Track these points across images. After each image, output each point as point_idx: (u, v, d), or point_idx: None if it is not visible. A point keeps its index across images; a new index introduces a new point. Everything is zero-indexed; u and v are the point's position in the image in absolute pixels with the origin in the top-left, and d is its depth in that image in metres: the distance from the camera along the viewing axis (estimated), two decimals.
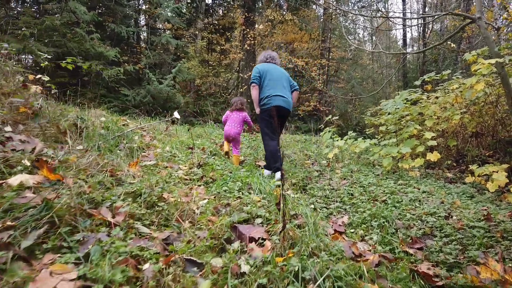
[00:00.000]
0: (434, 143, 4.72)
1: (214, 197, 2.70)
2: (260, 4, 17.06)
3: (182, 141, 4.70)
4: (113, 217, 1.85)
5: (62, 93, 11.02)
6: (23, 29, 9.35)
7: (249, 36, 14.62)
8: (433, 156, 4.65)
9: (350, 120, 17.68)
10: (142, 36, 12.76)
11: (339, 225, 2.78)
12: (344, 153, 5.98)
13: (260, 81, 4.41)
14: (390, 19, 7.24)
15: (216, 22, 16.35)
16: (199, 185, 3.04)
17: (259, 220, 2.29)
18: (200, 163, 3.60)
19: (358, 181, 4.26)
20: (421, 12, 20.10)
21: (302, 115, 16.06)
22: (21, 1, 11.72)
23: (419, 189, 3.95)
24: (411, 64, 21.84)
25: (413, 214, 3.07)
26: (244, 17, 14.92)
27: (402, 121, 5.62)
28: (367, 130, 7.59)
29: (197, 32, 15.00)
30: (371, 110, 7.44)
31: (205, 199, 2.58)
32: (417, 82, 5.65)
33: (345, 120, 17.45)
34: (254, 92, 4.41)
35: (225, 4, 18.04)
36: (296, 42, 16.31)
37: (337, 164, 5.29)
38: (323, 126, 6.03)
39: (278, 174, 4.13)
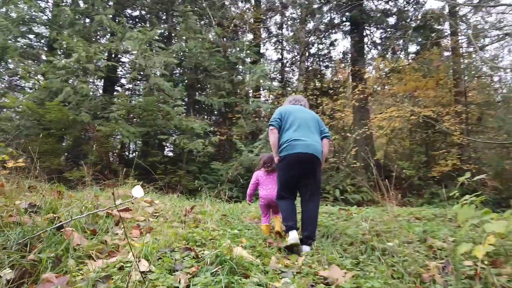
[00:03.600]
0: None
1: None
2: (370, 56, 15.09)
3: (197, 233, 2.83)
4: None
5: (150, 173, 10.57)
6: (113, 112, 9.35)
7: (357, 90, 12.55)
8: None
9: None
10: (237, 105, 11.94)
11: None
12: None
13: (281, 123, 3.69)
14: None
15: (319, 83, 14.88)
16: None
17: None
18: None
19: None
20: None
21: (438, 177, 12.51)
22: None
23: None
24: None
25: None
26: (351, 71, 13.10)
27: None
28: None
29: (293, 94, 13.67)
30: None
31: None
32: None
33: (503, 182, 13.01)
34: (272, 136, 3.68)
35: (329, 64, 16.66)
36: (419, 90, 13.42)
37: (499, 268, 2.57)
38: (458, 193, 3.35)
39: (292, 234, 3.27)
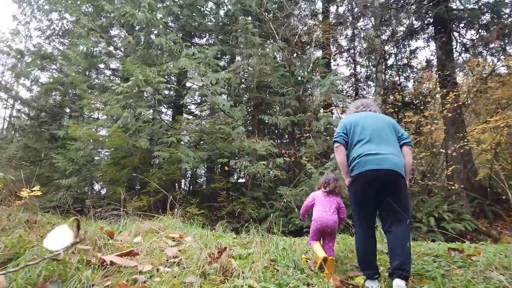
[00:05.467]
0: None
1: None
2: (462, 57, 12.93)
3: None
4: None
5: (213, 201, 9.75)
6: (171, 136, 8.83)
7: (448, 98, 10.56)
8: None
9: None
10: (306, 124, 10.78)
11: None
12: None
13: (347, 138, 3.00)
14: None
15: (399, 96, 13.09)
16: None
17: None
18: None
19: None
20: None
21: None
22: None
23: None
24: None
25: None
26: (438, 76, 11.21)
27: None
28: None
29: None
30: None
31: None
32: None
33: None
34: (339, 155, 2.97)
35: (411, 74, 14.77)
36: None
37: None
38: None
39: (371, 285, 2.59)
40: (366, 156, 2.83)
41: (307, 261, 3.39)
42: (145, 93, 8.89)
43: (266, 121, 9.72)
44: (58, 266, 1.90)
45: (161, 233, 3.25)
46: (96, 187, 12.82)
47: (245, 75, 10.70)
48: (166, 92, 13.11)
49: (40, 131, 13.56)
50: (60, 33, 16.02)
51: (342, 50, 17.58)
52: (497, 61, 11.53)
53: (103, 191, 13.16)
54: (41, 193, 3.71)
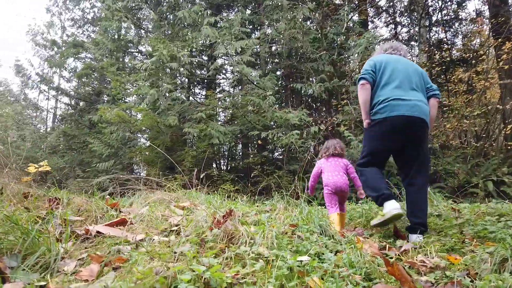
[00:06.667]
0: None
1: None
2: None
3: (196, 270, 1.32)
4: None
5: (248, 176, 9.43)
6: (201, 112, 8.54)
7: (504, 48, 9.33)
8: None
9: None
10: (342, 91, 10.05)
11: None
12: None
13: (375, 76, 2.80)
14: None
15: (446, 53, 11.86)
16: None
17: None
18: None
19: None
20: None
21: None
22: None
23: None
24: None
25: None
26: (491, 24, 9.94)
27: None
28: None
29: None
30: None
31: None
32: None
33: None
34: (364, 93, 2.78)
35: (459, 28, 13.34)
36: None
37: None
38: None
39: (391, 204, 2.53)
40: (396, 100, 2.68)
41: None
42: (172, 69, 8.60)
43: (299, 90, 9.12)
44: (21, 237, 1.59)
45: (172, 203, 2.92)
46: (136, 169, 12.95)
47: (274, 43, 10.09)
48: (198, 71, 12.84)
49: (80, 119, 13.90)
50: (92, 22, 16.19)
51: (381, 10, 16.32)
52: None
53: (143, 173, 13.33)
54: (49, 168, 3.50)
